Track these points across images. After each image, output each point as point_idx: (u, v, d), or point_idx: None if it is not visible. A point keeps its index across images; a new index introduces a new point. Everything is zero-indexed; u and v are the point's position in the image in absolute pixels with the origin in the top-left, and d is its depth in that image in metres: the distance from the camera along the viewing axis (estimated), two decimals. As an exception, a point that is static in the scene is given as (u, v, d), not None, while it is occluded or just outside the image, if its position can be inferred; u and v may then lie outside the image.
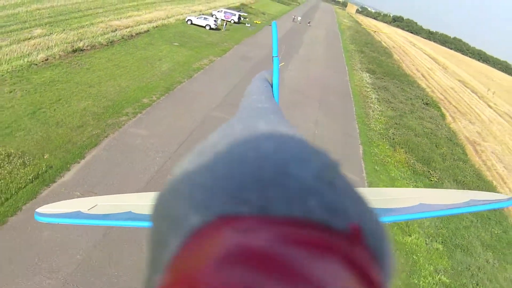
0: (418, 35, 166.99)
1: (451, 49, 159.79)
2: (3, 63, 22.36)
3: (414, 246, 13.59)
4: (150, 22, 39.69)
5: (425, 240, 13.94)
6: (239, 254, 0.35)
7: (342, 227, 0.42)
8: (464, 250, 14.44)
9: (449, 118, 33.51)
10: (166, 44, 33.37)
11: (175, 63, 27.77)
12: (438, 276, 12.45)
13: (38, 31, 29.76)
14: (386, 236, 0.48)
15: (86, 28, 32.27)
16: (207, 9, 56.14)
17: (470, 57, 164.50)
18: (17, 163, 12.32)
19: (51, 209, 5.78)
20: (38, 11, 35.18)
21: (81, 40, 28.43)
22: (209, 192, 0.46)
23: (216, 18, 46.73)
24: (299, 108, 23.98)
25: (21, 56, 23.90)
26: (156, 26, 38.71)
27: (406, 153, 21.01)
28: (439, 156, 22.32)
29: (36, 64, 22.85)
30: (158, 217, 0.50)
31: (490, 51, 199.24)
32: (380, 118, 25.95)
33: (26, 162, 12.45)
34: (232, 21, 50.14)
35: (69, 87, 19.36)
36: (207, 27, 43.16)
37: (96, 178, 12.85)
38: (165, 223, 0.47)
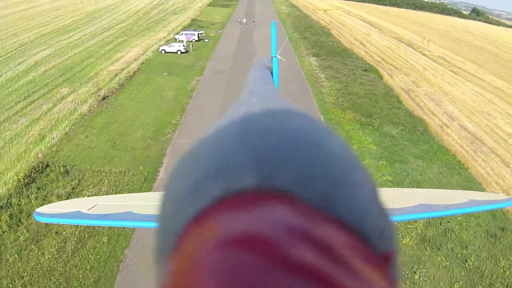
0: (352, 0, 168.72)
1: (386, 5, 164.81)
2: (63, 120, 27.89)
3: (367, 166, 21.25)
4: (135, 60, 45.50)
5: (374, 161, 21.97)
6: (234, 240, 0.36)
7: (378, 244, 0.42)
8: (401, 162, 22.25)
9: (386, 77, 39.87)
10: (159, 76, 39.50)
11: (175, 89, 34.63)
12: (384, 177, 20.25)
13: (64, 90, 34.68)
14: (394, 236, 0.48)
15: (95, 78, 37.55)
16: (168, 34, 61.47)
17: (405, 8, 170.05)
18: (130, 175, 19.89)
19: (51, 209, 6.50)
20: (46, 72, 40.13)
21: (100, 89, 33.79)
22: (212, 173, 0.45)
23: (183, 43, 51.61)
24: None
25: (70, 112, 29.20)
26: (142, 63, 44.56)
27: (353, 112, 28.50)
28: (378, 109, 29.75)
29: (86, 115, 28.54)
30: (162, 207, 0.51)
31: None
32: (331, 92, 33.16)
33: (134, 173, 19.92)
34: (193, 40, 55.40)
35: (121, 125, 26.27)
36: (178, 52, 48.90)
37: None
38: (168, 213, 0.48)
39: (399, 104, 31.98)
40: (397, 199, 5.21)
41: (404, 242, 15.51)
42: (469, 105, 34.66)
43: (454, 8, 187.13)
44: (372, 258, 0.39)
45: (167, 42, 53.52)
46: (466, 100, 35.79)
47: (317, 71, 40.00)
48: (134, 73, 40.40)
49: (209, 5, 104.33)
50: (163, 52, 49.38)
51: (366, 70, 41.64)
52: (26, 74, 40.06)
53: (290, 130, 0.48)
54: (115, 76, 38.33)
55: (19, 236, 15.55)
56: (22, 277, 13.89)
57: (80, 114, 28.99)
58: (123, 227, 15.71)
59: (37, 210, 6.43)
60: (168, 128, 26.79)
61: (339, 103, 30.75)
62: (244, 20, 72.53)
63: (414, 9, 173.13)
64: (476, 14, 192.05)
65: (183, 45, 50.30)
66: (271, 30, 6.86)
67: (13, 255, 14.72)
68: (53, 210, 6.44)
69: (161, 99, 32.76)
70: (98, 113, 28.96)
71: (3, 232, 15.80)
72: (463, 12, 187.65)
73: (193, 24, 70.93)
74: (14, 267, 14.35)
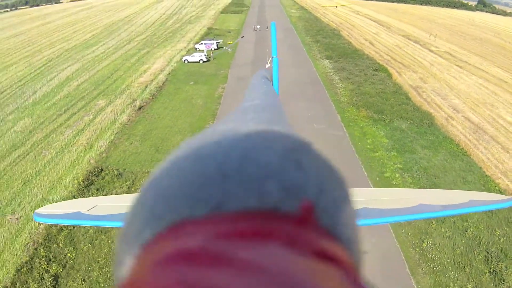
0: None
1: (393, 1, 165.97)
2: (106, 129, 30.13)
3: (380, 157, 24.15)
4: (161, 71, 47.11)
5: (386, 152, 24.61)
6: (172, 258, 0.38)
7: (292, 208, 0.44)
8: (410, 152, 24.86)
9: (395, 75, 41.78)
10: (186, 85, 41.31)
11: (203, 97, 36.69)
12: (396, 166, 22.97)
13: (101, 102, 36.66)
14: (348, 213, 0.51)
15: (128, 90, 39.67)
16: (187, 44, 62.52)
17: (413, 4, 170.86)
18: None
19: (51, 209, 6.63)
20: (80, 86, 42.34)
21: (135, 100, 35.72)
22: (166, 200, 0.47)
23: (204, 52, 53.07)
24: (293, 100, 33.08)
25: (111, 122, 31.43)
26: (169, 73, 46.12)
27: (366, 110, 30.99)
28: (388, 106, 32.27)
29: (126, 124, 30.76)
30: (122, 231, 0.51)
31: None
32: (345, 93, 35.59)
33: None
34: (213, 49, 56.38)
35: (161, 131, 28.79)
36: (201, 61, 50.39)
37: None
38: (124, 239, 0.48)
39: (407, 100, 34.25)
40: (397, 200, 5.30)
41: (386, 175, 18.48)
42: (473, 97, 36.51)
43: (461, 0, 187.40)
44: (341, 258, 0.43)
45: (188, 52, 54.93)
46: (470, 93, 37.65)
47: (331, 73, 42.09)
48: (163, 84, 42.28)
49: (222, 12, 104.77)
50: (186, 62, 50.87)
51: (376, 70, 43.65)
52: (60, 89, 42.22)
53: (244, 149, 0.51)
54: (146, 87, 40.23)
55: (88, 230, 18.13)
56: (97, 262, 16.70)
57: (121, 123, 31.19)
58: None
59: (37, 211, 6.45)
60: None
61: (353, 103, 33.11)
62: (258, 26, 73.61)
63: (421, 4, 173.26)
64: (483, 5, 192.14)
65: (204, 54, 51.78)
66: (271, 30, 6.73)
67: (86, 245, 17.44)
68: (53, 211, 6.51)
69: (192, 106, 34.80)
70: (138, 122, 31.31)
71: (73, 227, 18.16)
72: (470, 4, 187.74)
73: (209, 33, 72.05)
74: (89, 254, 17.07)
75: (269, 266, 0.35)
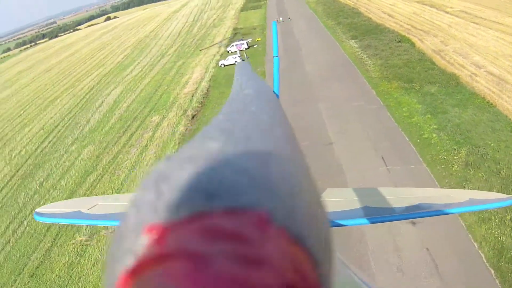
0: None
1: None
2: (168, 142, 32.35)
3: (416, 121, 26.73)
4: (202, 79, 48.59)
5: (421, 116, 27.23)
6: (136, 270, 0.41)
7: (246, 209, 0.46)
8: (442, 112, 27.21)
9: (418, 43, 43.32)
10: (229, 88, 36.92)
11: None
12: (431, 127, 25.53)
13: (155, 118, 38.79)
14: (311, 217, 0.53)
15: (176, 102, 41.98)
16: (219, 49, 63.27)
17: None
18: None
19: (51, 209, 6.75)
20: (129, 107, 44.88)
21: (186, 110, 38.13)
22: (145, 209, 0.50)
23: (237, 53, 54.67)
24: (328, 83, 36.25)
25: (171, 134, 33.61)
26: (210, 80, 47.61)
27: (397, 81, 33.31)
28: (416, 74, 34.45)
29: (185, 133, 32.97)
30: (113, 241, 0.52)
31: None
32: (375, 68, 37.76)
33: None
34: (244, 49, 57.74)
35: None
36: (236, 63, 46.78)
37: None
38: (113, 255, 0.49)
39: (432, 66, 36.19)
40: (397, 199, 5.30)
41: (453, 169, 21.21)
42: (492, 51, 37.81)
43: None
44: (306, 262, 0.45)
45: (222, 56, 56.65)
46: (489, 47, 38.92)
47: (359, 52, 43.98)
48: (207, 90, 44.15)
49: (241, 10, 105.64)
50: (222, 66, 52.27)
51: (399, 41, 45.40)
52: (112, 113, 45.01)
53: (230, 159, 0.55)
54: (192, 96, 42.26)
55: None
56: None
57: (180, 134, 33.34)
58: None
59: (37, 210, 6.48)
60: None
61: (384, 76, 35.28)
62: (281, 18, 74.33)
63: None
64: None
65: (238, 56, 52.99)
66: (272, 30, 6.52)
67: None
68: (53, 210, 6.60)
69: None
70: (195, 130, 33.42)
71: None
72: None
73: (236, 33, 73.48)
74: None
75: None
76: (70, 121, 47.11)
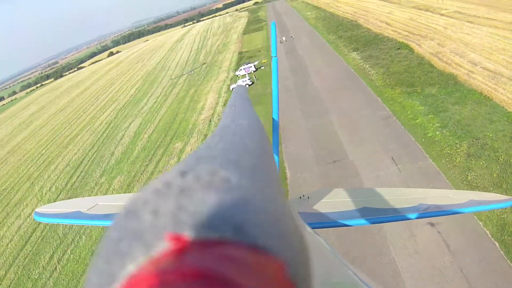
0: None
1: None
2: None
3: (420, 122, 28.57)
4: (217, 104, 49.40)
5: (424, 117, 29.10)
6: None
7: (159, 246, 0.49)
8: (443, 111, 29.01)
9: (416, 48, 44.87)
10: None
11: (263, 115, 36.92)
12: (435, 125, 27.42)
13: (177, 145, 39.70)
14: (275, 225, 0.59)
15: (195, 128, 42.43)
16: (228, 74, 64.48)
17: None
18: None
19: (51, 209, 6.71)
20: (151, 137, 45.39)
21: (207, 135, 38.04)
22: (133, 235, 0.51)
23: (246, 77, 55.30)
24: (337, 96, 37.82)
25: None
26: (224, 104, 46.80)
27: (399, 87, 35.01)
28: (416, 78, 36.11)
29: None
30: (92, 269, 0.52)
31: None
32: (378, 77, 39.35)
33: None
34: (252, 71, 57.79)
35: None
36: (247, 86, 51.24)
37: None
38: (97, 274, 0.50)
39: (431, 68, 37.80)
40: (397, 199, 5.21)
41: (457, 161, 23.15)
42: (486, 47, 39.43)
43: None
44: (280, 272, 0.50)
45: (232, 81, 57.94)
46: (483, 44, 40.53)
47: (362, 63, 45.49)
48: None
49: (244, 33, 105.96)
50: (231, 89, 51.44)
51: (398, 48, 46.99)
52: (135, 144, 45.51)
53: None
54: (210, 121, 43.07)
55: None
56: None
57: None
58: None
59: (37, 210, 6.50)
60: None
61: (387, 84, 36.88)
62: (284, 38, 75.54)
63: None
64: None
65: (248, 79, 53.99)
66: (271, 31, 7.04)
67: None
68: (53, 210, 6.57)
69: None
70: None
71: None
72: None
73: (242, 57, 74.04)
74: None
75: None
76: (94, 155, 48.12)
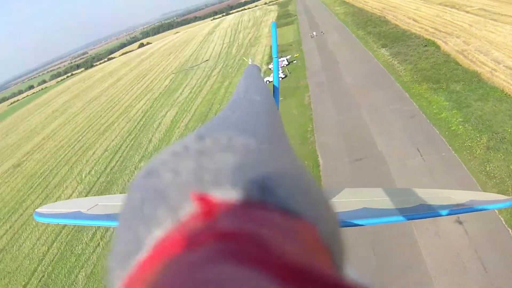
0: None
1: None
2: None
3: (445, 116, 30.38)
4: None
5: (449, 112, 30.94)
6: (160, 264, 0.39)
7: (186, 205, 0.46)
8: (466, 107, 30.77)
9: (442, 45, 45.89)
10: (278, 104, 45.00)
11: (296, 107, 41.11)
12: (457, 120, 29.26)
13: None
14: (307, 192, 0.57)
15: None
16: (261, 67, 58.36)
17: None
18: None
19: (51, 209, 6.53)
20: (188, 125, 46.78)
21: None
22: (156, 202, 0.49)
23: (280, 70, 54.39)
24: (367, 91, 39.73)
25: None
26: None
27: (426, 83, 36.52)
28: (442, 75, 37.50)
29: None
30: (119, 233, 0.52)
31: None
32: (406, 73, 40.77)
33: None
34: (285, 65, 59.03)
35: None
36: (280, 79, 51.27)
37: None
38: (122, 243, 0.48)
39: (456, 66, 39.03)
40: (397, 200, 5.08)
41: (477, 153, 24.72)
42: (510, 46, 40.32)
43: None
44: (313, 236, 0.47)
45: (265, 74, 56.83)
46: (507, 43, 41.31)
47: (390, 60, 46.71)
48: None
49: None
50: (267, 82, 48.22)
51: (425, 45, 48.20)
52: (172, 131, 47.31)
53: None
54: None
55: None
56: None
57: None
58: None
59: (37, 210, 6.38)
60: (308, 134, 34.10)
61: (415, 80, 38.19)
62: (314, 33, 76.32)
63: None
64: None
65: (281, 72, 54.36)
66: (272, 31, 6.82)
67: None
68: (53, 210, 6.43)
69: (292, 116, 39.09)
70: None
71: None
72: None
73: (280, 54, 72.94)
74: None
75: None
76: (132, 142, 49.15)
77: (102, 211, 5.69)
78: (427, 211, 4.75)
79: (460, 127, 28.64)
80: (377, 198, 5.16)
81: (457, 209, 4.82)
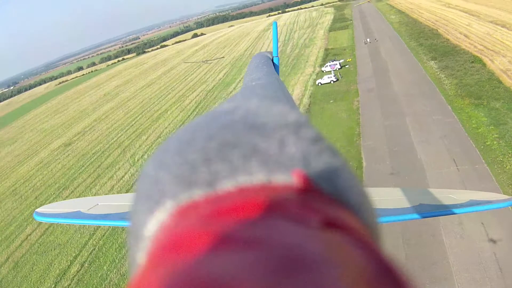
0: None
1: None
2: None
3: (482, 131, 32.20)
4: (303, 95, 51.68)
5: (486, 127, 32.63)
6: (171, 248, 0.37)
7: (283, 179, 0.45)
8: (503, 124, 32.38)
9: (488, 63, 46.68)
10: (327, 104, 45.75)
11: (345, 111, 43.08)
12: (493, 136, 31.04)
13: None
14: (349, 178, 0.53)
15: None
16: (314, 69, 66.03)
17: None
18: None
19: (51, 209, 6.40)
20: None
21: None
22: (161, 187, 0.47)
23: (331, 73, 57.38)
24: (413, 100, 41.64)
25: None
26: (310, 96, 51.03)
27: (468, 99, 38.13)
28: (484, 92, 39.05)
29: None
30: (129, 227, 0.51)
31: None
32: (451, 87, 42.30)
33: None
34: (337, 68, 60.22)
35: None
36: (331, 82, 54.47)
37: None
38: (132, 233, 0.48)
39: (499, 84, 40.19)
40: (397, 200, 5.02)
41: (507, 168, 26.64)
42: None
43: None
44: (349, 223, 0.42)
45: (318, 76, 59.93)
46: None
47: (438, 73, 47.89)
48: (309, 106, 47.33)
49: (329, 30, 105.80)
50: (319, 84, 55.17)
51: (472, 62, 49.15)
52: None
53: (234, 127, 0.54)
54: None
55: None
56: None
57: None
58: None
59: (37, 210, 6.15)
60: (355, 137, 35.48)
61: (458, 94, 39.67)
62: (368, 39, 77.12)
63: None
64: None
65: (333, 75, 56.02)
66: (273, 30, 6.61)
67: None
68: (53, 210, 6.29)
69: (339, 119, 40.53)
70: None
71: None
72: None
73: (328, 54, 75.45)
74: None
75: (274, 241, 0.34)
76: None
77: (102, 211, 5.68)
78: (427, 211, 4.77)
79: (495, 142, 30.34)
80: (378, 197, 5.15)
81: (457, 209, 4.83)
